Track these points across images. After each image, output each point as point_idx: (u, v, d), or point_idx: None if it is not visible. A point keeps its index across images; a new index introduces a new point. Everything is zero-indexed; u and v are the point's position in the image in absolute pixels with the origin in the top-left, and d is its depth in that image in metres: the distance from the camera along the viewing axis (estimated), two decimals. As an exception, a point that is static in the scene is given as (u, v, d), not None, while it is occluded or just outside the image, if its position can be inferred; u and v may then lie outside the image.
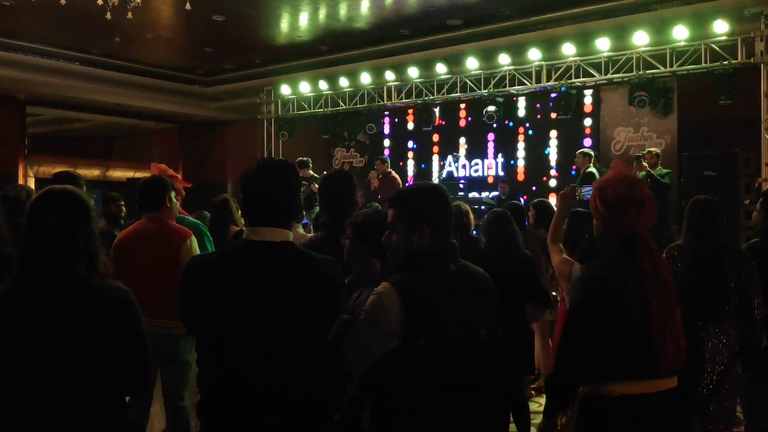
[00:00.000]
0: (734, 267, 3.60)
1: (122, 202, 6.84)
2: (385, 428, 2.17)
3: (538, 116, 11.73)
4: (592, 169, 9.14)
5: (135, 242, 4.10)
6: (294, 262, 2.21)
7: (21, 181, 14.20)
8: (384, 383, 2.17)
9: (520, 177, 11.97)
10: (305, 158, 11.30)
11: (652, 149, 9.29)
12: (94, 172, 16.36)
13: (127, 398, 2.35)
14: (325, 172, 10.73)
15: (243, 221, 5.91)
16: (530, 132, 11.91)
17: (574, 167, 10.20)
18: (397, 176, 10.65)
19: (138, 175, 16.59)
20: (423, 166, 13.21)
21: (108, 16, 7.46)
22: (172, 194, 4.28)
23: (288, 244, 2.21)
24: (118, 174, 16.70)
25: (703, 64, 9.28)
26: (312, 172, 10.94)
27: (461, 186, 11.72)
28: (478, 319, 2.24)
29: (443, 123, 12.71)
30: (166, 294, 3.66)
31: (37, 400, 2.03)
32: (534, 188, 11.56)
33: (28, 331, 2.02)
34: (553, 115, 11.09)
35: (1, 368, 2.01)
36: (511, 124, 11.99)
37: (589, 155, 9.39)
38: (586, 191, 6.07)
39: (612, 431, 2.46)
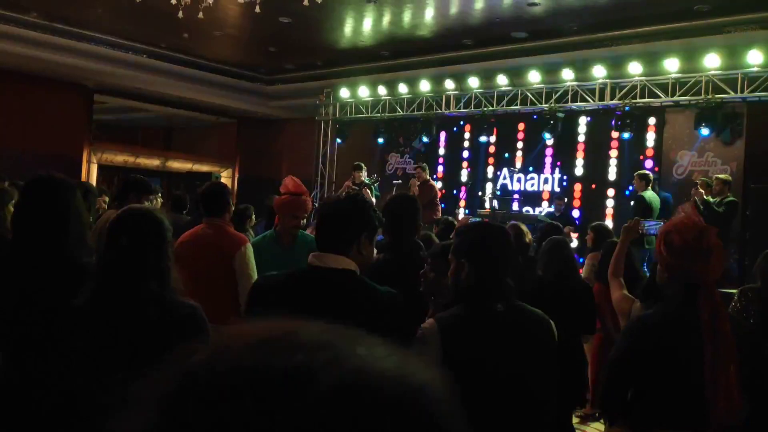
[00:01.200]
0: None
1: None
2: None
3: (599, 134, 11.50)
4: (645, 193, 8.87)
5: (192, 247, 4.16)
6: (353, 291, 2.25)
7: (84, 167, 14.67)
8: None
9: (577, 194, 11.77)
10: (359, 163, 11.33)
11: (719, 176, 8.96)
12: (155, 162, 16.78)
13: None
14: (373, 176, 10.87)
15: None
16: (590, 150, 11.69)
17: (630, 187, 9.96)
18: (435, 184, 10.52)
19: (196, 167, 16.97)
20: (479, 176, 13.11)
21: (180, 14, 7.64)
22: (231, 200, 4.37)
23: (350, 273, 2.25)
24: (177, 165, 17.09)
25: (776, 92, 8.98)
26: (364, 177, 10.96)
27: (515, 200, 11.60)
28: (528, 360, 2.22)
29: (499, 135, 12.58)
30: (218, 300, 3.73)
31: (105, 413, 2.08)
32: (589, 207, 11.34)
33: (99, 346, 2.08)
34: (615, 134, 10.86)
35: (72, 380, 2.07)
36: (571, 142, 11.78)
37: (647, 178, 9.12)
38: (649, 226, 5.95)
39: None
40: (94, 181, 14.16)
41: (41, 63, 12.61)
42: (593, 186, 11.48)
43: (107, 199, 7.09)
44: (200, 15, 7.91)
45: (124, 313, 2.11)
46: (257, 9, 7.50)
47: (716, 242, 2.49)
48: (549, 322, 2.34)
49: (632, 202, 9.53)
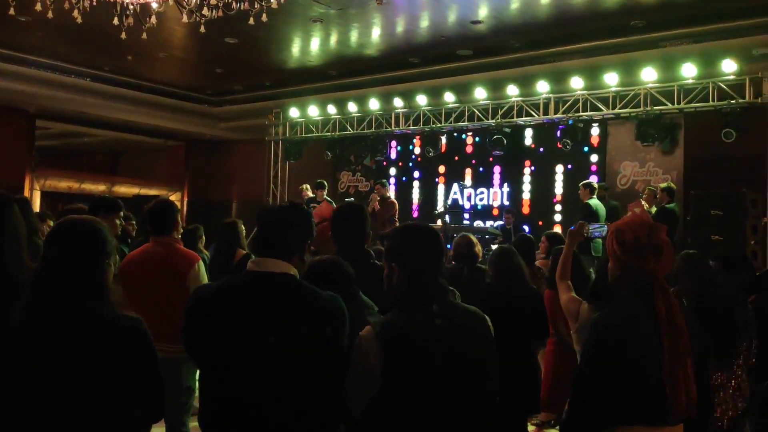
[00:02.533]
0: (741, 309, 3.58)
1: (134, 221, 6.84)
2: None
3: (544, 148, 11.76)
4: (591, 200, 9.11)
5: (142, 265, 4.09)
6: (293, 295, 2.23)
7: (27, 194, 14.25)
8: (372, 425, 2.16)
9: (525, 209, 11.98)
10: (322, 180, 11.30)
11: (662, 185, 9.27)
12: (100, 188, 16.41)
13: None
14: (337, 205, 10.86)
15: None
16: (536, 163, 11.94)
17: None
18: (395, 201, 10.68)
19: (144, 191, 16.66)
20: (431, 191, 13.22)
21: (123, 35, 7.52)
22: (179, 218, 4.31)
23: (289, 277, 2.24)
24: (124, 190, 16.75)
25: (711, 102, 9.34)
26: (326, 196, 10.96)
27: (466, 215, 11.74)
28: (467, 359, 2.22)
29: (448, 151, 12.75)
30: (169, 318, 3.65)
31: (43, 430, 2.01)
32: (540, 221, 11.56)
33: (31, 360, 2.01)
34: (560, 147, 11.13)
35: (2, 398, 1.99)
36: (518, 156, 12.02)
37: (590, 186, 9.37)
38: (594, 228, 6.09)
39: None
40: (37, 208, 13.75)
41: (-22, 88, 12.26)
42: (541, 199, 11.72)
43: (51, 223, 6.88)
44: (144, 36, 7.78)
45: (56, 327, 2.04)
46: (202, 29, 7.42)
47: (666, 239, 2.53)
48: (484, 317, 2.35)
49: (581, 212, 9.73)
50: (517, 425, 4.28)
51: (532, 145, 11.90)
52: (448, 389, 2.16)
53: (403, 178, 13.58)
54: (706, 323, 3.49)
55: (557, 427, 5.20)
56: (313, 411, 2.17)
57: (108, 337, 2.06)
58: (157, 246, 4.11)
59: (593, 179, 10.69)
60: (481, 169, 12.57)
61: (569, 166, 11.51)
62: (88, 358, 2.03)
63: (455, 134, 12.55)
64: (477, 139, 12.44)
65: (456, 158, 12.85)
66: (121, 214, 4.70)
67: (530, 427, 5.08)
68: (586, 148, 11.22)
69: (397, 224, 10.17)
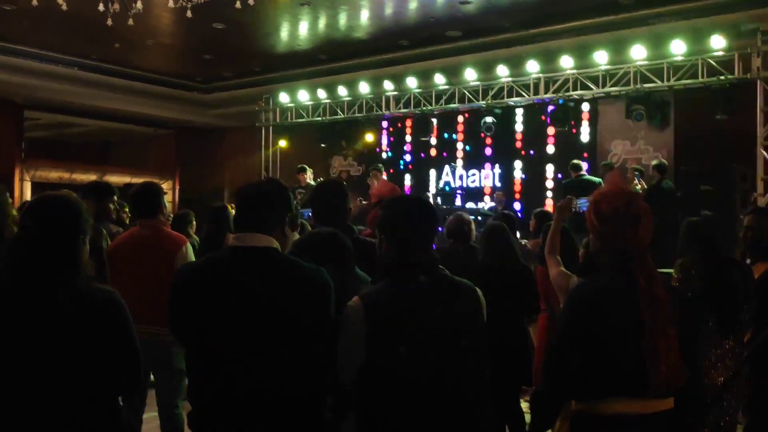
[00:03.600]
0: (742, 278, 3.59)
1: (128, 210, 6.83)
2: None
3: (535, 128, 11.78)
4: (583, 177, 9.19)
5: (130, 249, 4.09)
6: (277, 267, 2.25)
7: (17, 185, 14.19)
8: (361, 396, 2.18)
9: (517, 188, 12.01)
10: (302, 165, 11.35)
11: (653, 162, 9.32)
12: (91, 177, 16.25)
13: (121, 402, 2.35)
14: (318, 180, 10.94)
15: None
16: (527, 144, 11.95)
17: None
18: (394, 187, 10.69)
19: (134, 180, 16.58)
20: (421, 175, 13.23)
21: (109, 22, 7.48)
22: (164, 201, 4.32)
23: (272, 250, 2.25)
24: (115, 179, 16.64)
25: (700, 79, 9.35)
26: (310, 179, 10.97)
27: (458, 196, 11.75)
28: (454, 330, 2.22)
29: (439, 133, 12.76)
30: (160, 301, 3.66)
31: (25, 404, 2.04)
32: (531, 201, 11.58)
33: (10, 334, 2.03)
34: (551, 128, 11.14)
35: None
36: (509, 137, 12.03)
37: (578, 167, 9.46)
38: (582, 203, 6.11)
39: None
40: (28, 198, 13.70)
41: (-35, 79, 12.17)
42: (532, 179, 11.76)
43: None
44: (130, 22, 7.76)
45: (33, 301, 2.06)
46: (189, 14, 7.41)
47: (645, 207, 2.51)
48: (475, 290, 2.35)
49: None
50: (510, 398, 4.32)
51: (523, 126, 11.91)
52: (434, 361, 2.16)
53: (395, 161, 13.56)
54: (711, 291, 3.48)
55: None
56: (299, 381, 2.19)
57: (84, 308, 2.09)
58: (144, 229, 4.12)
59: (584, 158, 10.74)
60: (472, 150, 12.57)
61: (560, 146, 11.52)
62: (64, 329, 2.06)
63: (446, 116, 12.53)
64: (468, 120, 12.42)
65: (447, 140, 12.84)
66: (115, 198, 4.71)
67: (524, 404, 5.13)
68: (576, 128, 11.22)
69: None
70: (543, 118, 11.34)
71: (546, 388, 2.51)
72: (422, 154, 13.23)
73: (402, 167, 13.50)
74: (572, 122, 10.89)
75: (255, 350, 2.14)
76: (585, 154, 11.11)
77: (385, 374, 2.14)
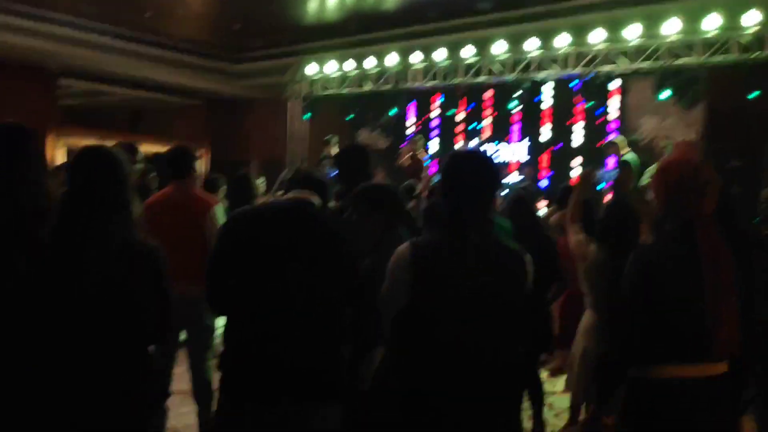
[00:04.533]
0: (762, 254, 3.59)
1: (154, 174, 7.02)
2: (392, 385, 2.26)
3: (563, 103, 11.68)
4: (627, 156, 9.07)
5: (162, 208, 4.23)
6: (318, 218, 2.47)
7: (50, 152, 14.46)
8: (396, 340, 2.25)
9: (544, 163, 11.95)
10: (330, 136, 11.43)
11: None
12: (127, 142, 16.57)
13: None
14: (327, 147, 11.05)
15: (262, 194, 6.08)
16: (555, 118, 11.86)
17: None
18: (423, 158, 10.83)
19: (165, 150, 16.79)
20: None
21: (141, -11, 7.55)
22: (195, 164, 4.44)
23: (313, 204, 2.38)
24: (145, 149, 16.83)
25: (734, 55, 9.17)
26: (336, 150, 11.07)
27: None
28: (497, 292, 2.25)
29: (467, 107, 12.72)
30: (189, 259, 3.79)
31: (65, 343, 2.16)
32: (558, 175, 11.53)
33: (59, 277, 2.14)
34: (579, 102, 11.04)
35: (32, 312, 2.13)
36: (537, 111, 11.95)
37: (616, 145, 9.38)
38: (602, 173, 6.12)
39: (659, 415, 2.42)
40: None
41: (1, 47, 12.37)
42: (560, 153, 11.70)
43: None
44: (162, -10, 7.83)
45: (86, 246, 2.17)
46: (220, -18, 7.45)
47: (713, 177, 2.53)
48: (522, 257, 2.37)
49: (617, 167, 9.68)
50: (530, 366, 4.39)
51: (552, 100, 11.82)
52: (470, 318, 2.21)
53: (422, 134, 13.56)
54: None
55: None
56: (335, 328, 2.32)
57: (131, 258, 2.19)
58: (176, 190, 4.25)
59: (613, 135, 10.64)
60: (499, 124, 12.52)
61: (589, 121, 11.42)
62: (114, 276, 2.16)
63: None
64: (495, 93, 12.35)
65: (474, 113, 12.79)
66: (137, 159, 4.85)
67: (544, 373, 5.20)
68: (605, 103, 11.10)
69: (425, 179, 10.29)
70: (572, 92, 11.22)
71: (615, 352, 2.50)
72: (448, 129, 13.20)
73: (427, 140, 13.48)
74: (601, 97, 10.76)
75: (293, 293, 2.30)
76: (613, 130, 11.00)
77: (422, 322, 2.19)
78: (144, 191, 6.92)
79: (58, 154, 14.80)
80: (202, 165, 16.60)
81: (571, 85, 11.29)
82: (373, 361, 2.43)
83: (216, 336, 4.36)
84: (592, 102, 10.67)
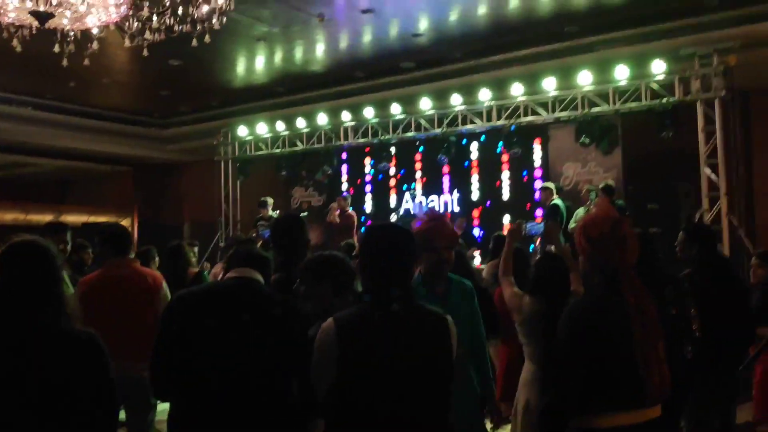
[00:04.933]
0: (674, 294, 3.82)
1: (90, 250, 6.88)
2: None
3: (489, 154, 12.09)
4: (556, 201, 9.49)
5: (105, 284, 4.14)
6: (268, 296, 2.52)
7: (-29, 228, 13.91)
8: (330, 416, 2.28)
9: (475, 213, 12.26)
10: (265, 198, 11.47)
11: (600, 184, 9.63)
12: (47, 218, 16.00)
13: None
14: (276, 213, 11.11)
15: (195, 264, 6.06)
16: (483, 169, 12.24)
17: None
18: (354, 214, 11.01)
19: (93, 218, 16.39)
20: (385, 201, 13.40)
21: (65, 62, 7.50)
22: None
23: (257, 282, 2.43)
24: (72, 219, 16.41)
25: (644, 102, 9.75)
26: (271, 212, 11.09)
27: (419, 223, 11.92)
28: (423, 360, 2.29)
29: (398, 162, 12.99)
30: (134, 336, 3.74)
31: None
32: (489, 226, 11.82)
33: None
34: (507, 156, 11.48)
35: None
36: (466, 163, 12.32)
37: (550, 189, 9.77)
38: (530, 226, 6.38)
39: None
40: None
41: None
42: (488, 204, 12.04)
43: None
44: (86, 62, 7.78)
45: (17, 341, 2.14)
46: (145, 53, 7.46)
47: (630, 231, 2.68)
48: (445, 318, 2.43)
49: (546, 213, 10.02)
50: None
51: (478, 152, 12.22)
52: (399, 387, 2.23)
53: (355, 190, 13.71)
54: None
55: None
56: (291, 403, 2.34)
57: (67, 350, 2.16)
58: (117, 268, 4.19)
59: (538, 182, 11.06)
60: (430, 177, 12.80)
61: (514, 171, 11.84)
62: (48, 369, 2.13)
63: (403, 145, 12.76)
64: (424, 148, 12.67)
65: (405, 168, 13.07)
66: (66, 237, 4.78)
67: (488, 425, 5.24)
68: (529, 153, 11.55)
69: (354, 234, 10.46)
70: (496, 144, 11.65)
71: (555, 405, 2.57)
72: (381, 183, 13.42)
73: (362, 196, 13.64)
74: (524, 147, 11.21)
75: (242, 372, 2.31)
76: (538, 177, 11.44)
77: (351, 396, 2.22)
78: (78, 267, 6.78)
79: (-21, 230, 14.25)
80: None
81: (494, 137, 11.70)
82: (317, 430, 2.45)
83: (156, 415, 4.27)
84: (517, 151, 11.09)
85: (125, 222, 16.58)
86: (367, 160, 13.41)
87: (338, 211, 10.88)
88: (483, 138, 11.97)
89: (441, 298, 3.19)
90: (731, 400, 4.42)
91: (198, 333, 2.39)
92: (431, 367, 2.30)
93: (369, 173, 13.55)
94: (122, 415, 4.19)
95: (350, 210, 11.36)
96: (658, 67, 9.62)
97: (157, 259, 6.60)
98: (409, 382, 2.25)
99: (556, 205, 9.39)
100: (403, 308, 2.32)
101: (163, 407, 4.23)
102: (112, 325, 3.87)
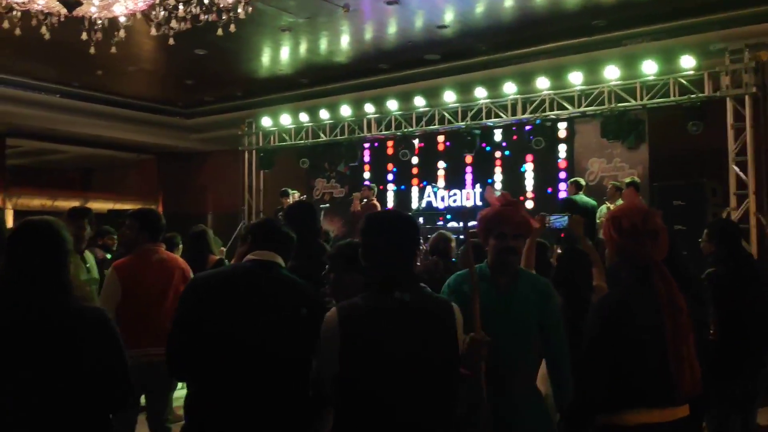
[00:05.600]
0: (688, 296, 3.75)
1: (115, 236, 7.00)
2: None
3: (513, 148, 11.99)
4: (575, 196, 9.37)
5: (149, 272, 4.16)
6: (284, 280, 2.51)
7: (-1, 213, 14.14)
8: (337, 405, 2.26)
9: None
10: (286, 188, 11.50)
11: (626, 179, 9.48)
12: (74, 204, 16.28)
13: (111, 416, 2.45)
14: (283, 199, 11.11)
15: (219, 250, 6.09)
16: (506, 164, 12.15)
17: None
18: (378, 205, 10.96)
19: (117, 206, 16.58)
20: (402, 190, 13.37)
21: (92, 50, 7.57)
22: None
23: (278, 266, 2.52)
24: (98, 206, 16.62)
25: (672, 98, 9.60)
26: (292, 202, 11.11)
27: (442, 217, 11.89)
28: (428, 349, 2.24)
29: (421, 154, 12.95)
30: (166, 321, 3.77)
31: (19, 421, 2.13)
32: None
33: (6, 354, 2.13)
34: (529, 147, 11.34)
35: None
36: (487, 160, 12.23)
37: (578, 184, 9.63)
38: (554, 219, 6.29)
39: None
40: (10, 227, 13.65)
41: (-53, 108, 12.19)
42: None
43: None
44: (113, 50, 7.85)
45: (28, 320, 2.16)
46: (171, 42, 7.51)
47: (661, 224, 2.60)
48: (451, 306, 2.37)
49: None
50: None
51: (503, 145, 12.12)
52: (403, 375, 2.19)
53: (377, 183, 13.69)
54: None
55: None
56: (303, 389, 2.35)
57: (77, 327, 2.19)
58: (156, 253, 4.24)
59: (562, 177, 10.96)
60: (453, 170, 12.75)
61: (538, 166, 11.73)
62: (58, 347, 2.16)
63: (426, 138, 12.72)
64: (448, 141, 12.61)
65: (428, 161, 13.02)
66: (86, 222, 4.85)
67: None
68: (554, 147, 11.44)
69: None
70: (521, 138, 11.55)
71: (579, 402, 2.47)
72: (404, 176, 13.39)
73: (384, 188, 13.63)
74: (549, 142, 11.09)
75: (258, 357, 2.31)
76: (562, 173, 11.32)
77: (356, 387, 2.19)
78: (106, 251, 6.89)
79: (8, 216, 14.48)
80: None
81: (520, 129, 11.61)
82: (327, 421, 2.43)
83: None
84: (542, 146, 10.98)
85: (149, 210, 16.72)
86: (390, 153, 13.38)
87: (362, 201, 10.85)
88: (506, 132, 11.88)
89: (505, 293, 2.82)
90: (752, 402, 4.33)
91: (213, 316, 2.38)
92: (435, 355, 2.25)
93: (392, 167, 13.52)
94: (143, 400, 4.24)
95: (374, 200, 11.29)
96: (687, 63, 9.47)
97: (181, 246, 6.67)
98: (413, 371, 2.20)
99: (571, 200, 9.26)
100: (407, 296, 2.28)
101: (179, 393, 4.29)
102: (150, 309, 3.97)
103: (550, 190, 11.56)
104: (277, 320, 2.39)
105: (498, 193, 3.02)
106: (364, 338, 2.21)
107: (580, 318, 3.51)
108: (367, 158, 13.82)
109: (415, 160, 12.97)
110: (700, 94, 9.39)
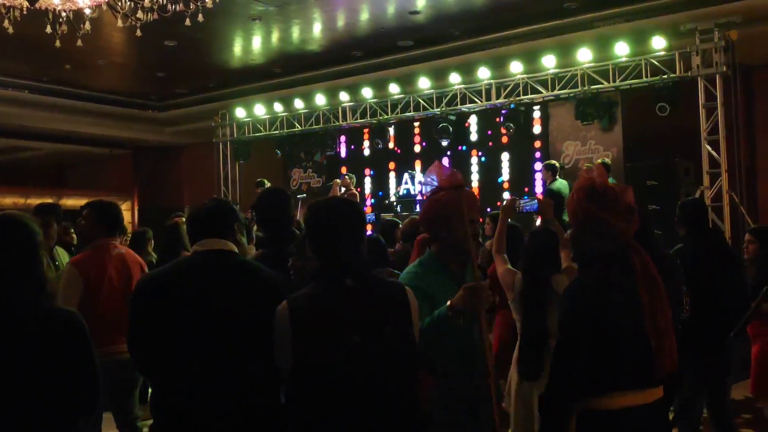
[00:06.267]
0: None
1: (72, 231, 6.84)
2: None
3: (489, 132, 12.01)
4: (557, 183, 9.31)
5: (111, 267, 4.09)
6: (237, 269, 2.44)
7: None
8: (292, 396, 2.22)
9: (475, 192, 12.21)
10: (261, 179, 11.42)
11: (597, 161, 9.53)
12: (47, 201, 16.05)
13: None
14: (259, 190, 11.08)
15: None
16: (482, 149, 12.17)
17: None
18: (356, 193, 10.95)
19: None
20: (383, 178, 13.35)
21: (57, 44, 7.42)
22: None
23: (230, 253, 2.40)
24: (72, 202, 16.40)
25: (644, 79, 9.64)
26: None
27: (418, 202, 11.89)
28: (381, 333, 2.22)
29: (397, 142, 12.92)
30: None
31: None
32: (488, 206, 11.77)
33: None
34: (504, 132, 11.35)
35: None
36: (464, 147, 12.24)
37: (554, 168, 9.58)
38: (524, 203, 6.31)
39: None
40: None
41: None
42: (489, 183, 11.98)
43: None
44: (79, 43, 7.70)
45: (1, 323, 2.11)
46: (138, 33, 7.37)
47: (633, 200, 2.53)
48: (403, 288, 2.36)
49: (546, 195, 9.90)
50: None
51: (477, 131, 12.14)
52: (358, 363, 2.16)
53: (354, 171, 13.66)
54: None
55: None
56: (262, 382, 2.31)
57: (47, 328, 2.13)
58: (115, 248, 4.17)
59: (537, 158, 11.00)
60: (429, 157, 12.73)
61: (514, 149, 11.76)
62: (28, 348, 2.10)
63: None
64: (424, 128, 12.60)
65: (404, 148, 13.00)
66: (52, 218, 4.75)
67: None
68: (528, 131, 11.46)
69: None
70: (496, 121, 11.57)
71: (556, 389, 2.40)
72: (380, 164, 13.37)
73: (361, 177, 13.60)
74: (524, 126, 11.12)
75: (215, 350, 2.26)
76: (537, 155, 11.37)
77: (310, 378, 2.15)
78: (68, 248, 6.75)
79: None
80: (127, 216, 16.30)
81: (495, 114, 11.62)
82: None
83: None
84: (516, 130, 10.98)
85: (125, 205, 16.58)
86: (366, 141, 13.34)
87: (341, 190, 10.87)
88: (481, 116, 11.89)
89: (459, 279, 2.76)
90: (726, 376, 4.36)
91: (161, 317, 2.32)
92: (390, 341, 2.22)
93: (368, 153, 13.49)
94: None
95: (353, 189, 11.31)
96: (659, 44, 9.50)
97: (152, 240, 6.60)
98: (367, 357, 2.17)
99: (555, 190, 9.21)
100: (357, 282, 2.25)
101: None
102: (115, 305, 3.90)
103: (525, 174, 11.59)
104: (230, 313, 2.32)
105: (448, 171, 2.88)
106: (315, 327, 2.17)
107: (541, 299, 3.53)
108: (343, 147, 13.76)
109: (391, 145, 12.94)
110: (672, 75, 9.43)
